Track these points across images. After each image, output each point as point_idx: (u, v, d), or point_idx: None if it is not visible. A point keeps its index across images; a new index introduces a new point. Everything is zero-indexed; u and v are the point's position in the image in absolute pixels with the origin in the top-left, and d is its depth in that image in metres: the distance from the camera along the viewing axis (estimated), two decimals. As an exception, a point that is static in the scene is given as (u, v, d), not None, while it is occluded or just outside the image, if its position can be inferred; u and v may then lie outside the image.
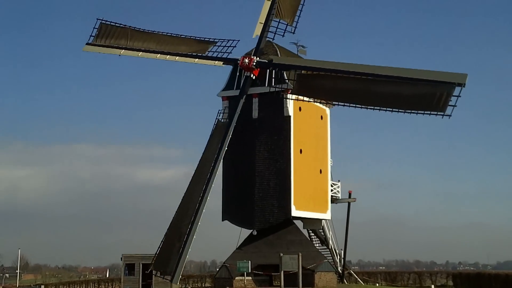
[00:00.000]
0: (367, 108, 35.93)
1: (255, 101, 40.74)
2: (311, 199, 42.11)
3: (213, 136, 39.70)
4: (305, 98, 39.63)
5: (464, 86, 33.15)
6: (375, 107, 35.60)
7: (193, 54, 41.57)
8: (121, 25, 42.64)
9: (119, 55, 42.50)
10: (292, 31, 40.75)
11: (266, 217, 40.00)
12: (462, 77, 33.33)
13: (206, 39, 41.87)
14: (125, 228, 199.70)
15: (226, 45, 41.24)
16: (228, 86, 41.44)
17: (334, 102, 39.15)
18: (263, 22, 40.01)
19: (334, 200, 45.64)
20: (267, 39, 40.54)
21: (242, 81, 40.20)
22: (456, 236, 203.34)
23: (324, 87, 37.34)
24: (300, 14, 40.77)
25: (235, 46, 40.99)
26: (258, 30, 40.21)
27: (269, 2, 39.98)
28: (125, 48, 42.47)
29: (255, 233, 40.47)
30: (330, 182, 44.82)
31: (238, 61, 39.89)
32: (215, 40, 41.55)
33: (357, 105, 36.15)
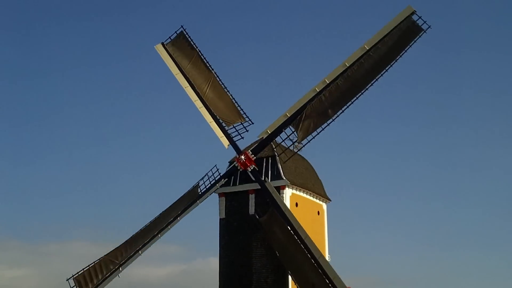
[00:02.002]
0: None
1: (252, 197, 40.75)
2: (309, 296, 41.40)
3: (182, 198, 40.57)
4: (302, 193, 39.77)
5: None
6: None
7: (220, 120, 40.99)
8: (194, 45, 42.41)
9: (175, 75, 42.14)
10: (297, 150, 39.74)
11: (264, 315, 39.25)
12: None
13: (241, 111, 41.24)
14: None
15: (246, 127, 40.83)
16: (225, 182, 41.45)
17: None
18: (270, 132, 39.37)
19: (333, 296, 44.83)
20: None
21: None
22: None
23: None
24: (315, 136, 39.01)
25: (247, 131, 40.78)
26: (264, 134, 39.55)
27: (285, 118, 38.75)
28: (182, 72, 42.12)
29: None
30: (328, 279, 44.17)
31: (236, 157, 40.20)
32: (246, 119, 40.94)
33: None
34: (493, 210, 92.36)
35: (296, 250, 37.15)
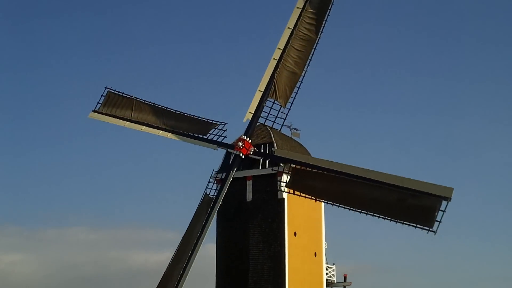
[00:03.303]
0: (355, 211, 36.01)
1: (249, 183, 40.79)
2: (306, 282, 41.54)
3: (199, 211, 39.19)
4: (297, 193, 39.79)
5: (449, 201, 33.48)
6: (362, 211, 35.77)
7: (193, 135, 41.01)
8: (127, 95, 42.65)
9: (124, 125, 42.24)
10: (285, 115, 39.77)
11: (260, 301, 39.37)
12: (448, 191, 33.58)
13: (209, 120, 41.30)
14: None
15: (223, 128, 40.91)
16: (222, 168, 41.49)
17: (323, 201, 39.00)
18: (253, 112, 39.38)
19: (329, 283, 45.02)
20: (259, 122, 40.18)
21: (230, 161, 40.05)
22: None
23: (315, 186, 37.53)
24: (295, 96, 39.72)
25: (225, 130, 40.69)
26: (249, 115, 39.52)
27: (260, 93, 39.32)
28: (130, 120, 42.19)
29: (249, 318, 39.75)
30: (325, 266, 44.34)
31: (233, 146, 39.97)
32: (217, 122, 41.02)
33: (345, 207, 36.32)
34: (492, 198, 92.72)
35: (338, 185, 36.66)
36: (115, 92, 42.87)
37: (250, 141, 39.39)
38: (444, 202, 33.56)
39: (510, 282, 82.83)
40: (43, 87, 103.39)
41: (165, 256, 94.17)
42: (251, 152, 39.35)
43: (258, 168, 40.29)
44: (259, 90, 39.31)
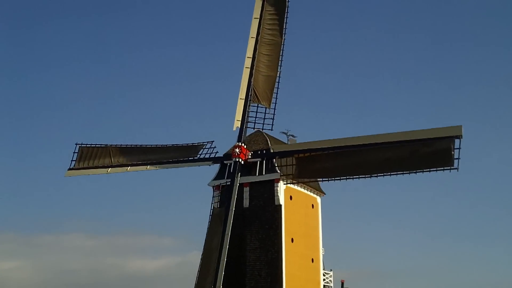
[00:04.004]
0: (370, 177, 36.64)
1: (246, 190, 40.85)
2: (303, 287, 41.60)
3: (212, 223, 39.58)
4: (296, 187, 39.92)
5: (461, 138, 34.34)
6: (379, 174, 36.33)
7: (184, 159, 41.80)
8: (101, 145, 42.89)
9: (107, 173, 42.44)
10: (272, 115, 41.14)
11: (257, 307, 39.37)
12: (457, 130, 34.53)
13: (194, 144, 42.10)
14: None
15: (211, 146, 41.79)
16: (219, 175, 41.58)
17: (339, 178, 38.40)
18: (240, 120, 40.49)
19: (326, 289, 45.04)
20: (249, 128, 41.14)
21: (231, 169, 40.25)
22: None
23: (325, 167, 37.79)
24: (277, 96, 41.26)
25: (214, 147, 41.72)
26: (237, 123, 40.53)
27: (242, 101, 40.45)
28: (111, 166, 42.62)
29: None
30: (322, 271, 44.37)
31: (229, 157, 40.43)
32: (204, 143, 41.90)
33: (360, 176, 36.81)
34: (491, 201, 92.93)
35: (348, 157, 37.45)
36: (87, 145, 43.12)
37: (245, 146, 39.76)
38: (457, 141, 34.37)
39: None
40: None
41: (161, 263, 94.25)
42: (250, 156, 39.69)
43: (255, 174, 40.33)
44: (241, 98, 40.58)
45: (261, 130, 41.84)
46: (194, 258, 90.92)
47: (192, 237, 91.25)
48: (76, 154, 43.08)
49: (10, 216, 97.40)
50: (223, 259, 37.14)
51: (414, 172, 35.63)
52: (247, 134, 41.63)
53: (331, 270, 45.95)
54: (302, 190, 42.67)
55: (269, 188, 40.16)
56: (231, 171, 40.07)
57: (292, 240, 40.77)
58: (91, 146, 43.00)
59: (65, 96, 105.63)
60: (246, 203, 40.65)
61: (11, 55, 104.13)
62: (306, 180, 40.02)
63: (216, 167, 42.08)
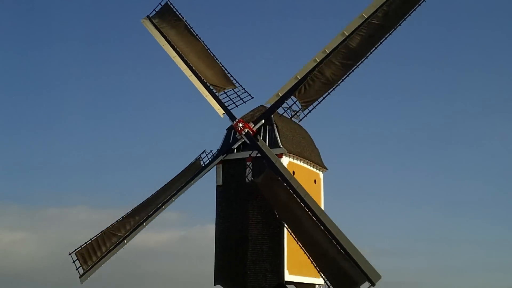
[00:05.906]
0: (297, 241, 37.88)
1: (249, 164, 40.93)
2: (304, 263, 41.75)
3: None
4: (299, 162, 39.94)
5: (373, 286, 35.14)
6: (299, 243, 37.65)
7: (210, 88, 41.27)
8: (179, 16, 42.20)
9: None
10: (300, 118, 40.47)
11: (259, 281, 39.59)
12: (376, 277, 35.20)
13: (230, 77, 41.55)
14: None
15: (240, 95, 41.17)
16: (222, 149, 41.61)
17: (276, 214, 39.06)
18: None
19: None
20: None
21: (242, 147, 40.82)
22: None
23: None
24: (316, 106, 39.52)
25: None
26: (273, 100, 39.67)
27: (295, 81, 38.87)
28: (169, 43, 42.11)
29: (248, 297, 40.09)
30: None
31: (233, 123, 40.47)
32: (236, 84, 41.36)
33: (289, 230, 38.16)
34: (490, 178, 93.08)
35: (297, 209, 37.69)
36: (172, 6, 42.38)
37: (253, 127, 40.12)
38: (367, 284, 35.20)
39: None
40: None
41: (165, 236, 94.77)
42: (255, 128, 39.98)
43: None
44: (297, 76, 38.88)
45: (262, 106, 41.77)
46: (197, 232, 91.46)
47: (196, 211, 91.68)
48: (161, 6, 42.51)
49: (15, 188, 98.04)
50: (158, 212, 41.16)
51: (320, 273, 37.17)
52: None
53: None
54: (305, 165, 42.73)
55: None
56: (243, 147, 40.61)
57: (294, 215, 40.85)
58: (173, 9, 42.24)
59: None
60: (249, 177, 40.77)
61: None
62: (299, 162, 39.77)
63: (219, 141, 42.14)
